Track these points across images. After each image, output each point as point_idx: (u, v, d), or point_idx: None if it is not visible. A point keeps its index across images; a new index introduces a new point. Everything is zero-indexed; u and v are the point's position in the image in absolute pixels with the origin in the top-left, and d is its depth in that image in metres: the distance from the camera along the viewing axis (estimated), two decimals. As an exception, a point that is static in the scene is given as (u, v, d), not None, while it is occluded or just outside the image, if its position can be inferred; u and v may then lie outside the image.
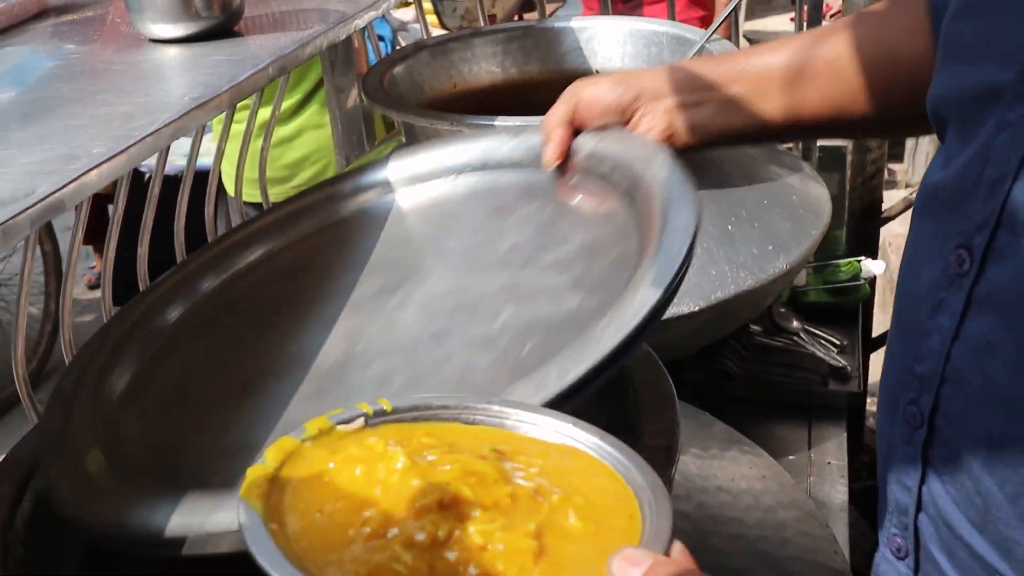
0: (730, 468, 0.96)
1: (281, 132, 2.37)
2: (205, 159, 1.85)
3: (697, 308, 1.22)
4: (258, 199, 1.81)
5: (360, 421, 0.60)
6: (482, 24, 1.90)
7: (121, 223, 1.28)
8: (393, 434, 0.58)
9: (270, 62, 0.92)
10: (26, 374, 1.19)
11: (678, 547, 0.50)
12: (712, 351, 1.52)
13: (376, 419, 0.60)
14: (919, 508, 0.75)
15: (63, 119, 0.79)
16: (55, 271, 3.58)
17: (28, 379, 1.19)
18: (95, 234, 3.45)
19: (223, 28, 1.03)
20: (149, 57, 0.96)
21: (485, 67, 1.59)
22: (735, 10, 1.87)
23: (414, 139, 1.40)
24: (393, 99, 1.34)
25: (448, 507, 0.52)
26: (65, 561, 0.81)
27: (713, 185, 1.36)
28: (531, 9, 4.24)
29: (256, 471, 0.55)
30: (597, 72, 1.55)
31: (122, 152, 0.72)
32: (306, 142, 2.42)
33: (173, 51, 0.97)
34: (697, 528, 0.86)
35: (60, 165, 0.69)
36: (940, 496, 0.72)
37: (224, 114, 1.56)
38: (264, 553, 0.49)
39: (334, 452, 0.57)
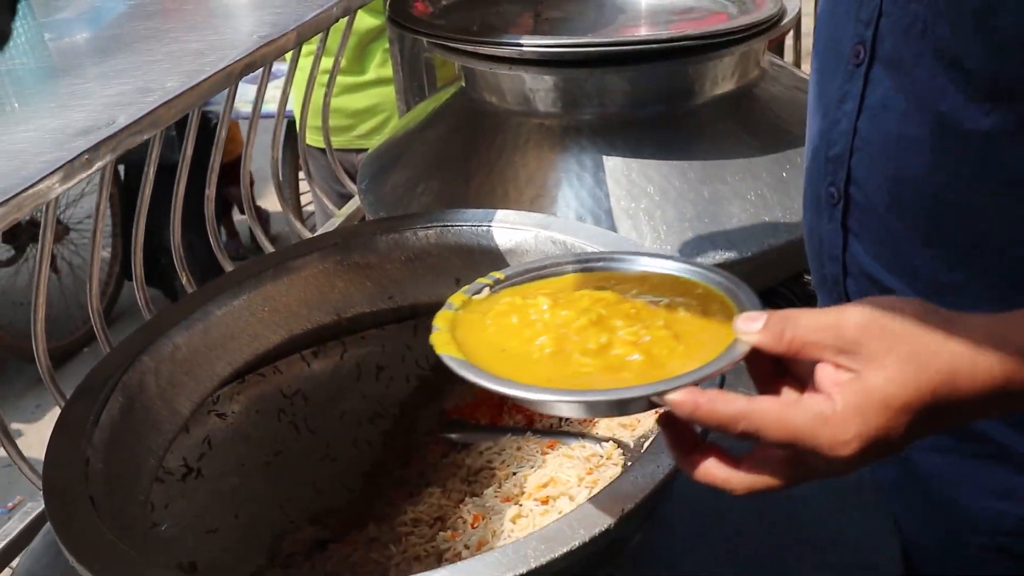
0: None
1: (347, 81, 2.39)
2: (270, 105, 1.89)
3: (749, 254, 1.24)
4: (322, 144, 1.85)
5: (486, 291, 0.73)
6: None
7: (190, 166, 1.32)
8: (517, 292, 0.73)
9: (335, 2, 0.94)
10: (100, 307, 1.24)
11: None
12: (763, 298, 1.53)
13: (496, 287, 0.74)
14: (845, 273, 0.90)
15: (138, 55, 0.83)
16: (122, 213, 3.66)
17: (102, 313, 1.23)
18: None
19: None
20: (219, -2, 0.99)
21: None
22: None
23: (473, 82, 1.42)
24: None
25: (596, 323, 0.66)
26: (139, 477, 0.86)
27: (770, 134, 1.37)
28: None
29: (438, 336, 0.68)
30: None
31: (195, 86, 0.75)
32: (372, 94, 2.43)
33: (243, -8, 1.00)
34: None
35: (136, 98, 0.73)
36: (859, 255, 0.88)
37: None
38: (484, 377, 0.63)
39: (483, 314, 0.71)
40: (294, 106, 1.81)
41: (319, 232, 1.49)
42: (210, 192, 1.43)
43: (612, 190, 1.28)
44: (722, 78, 1.36)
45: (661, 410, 0.63)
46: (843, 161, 0.87)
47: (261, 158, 2.21)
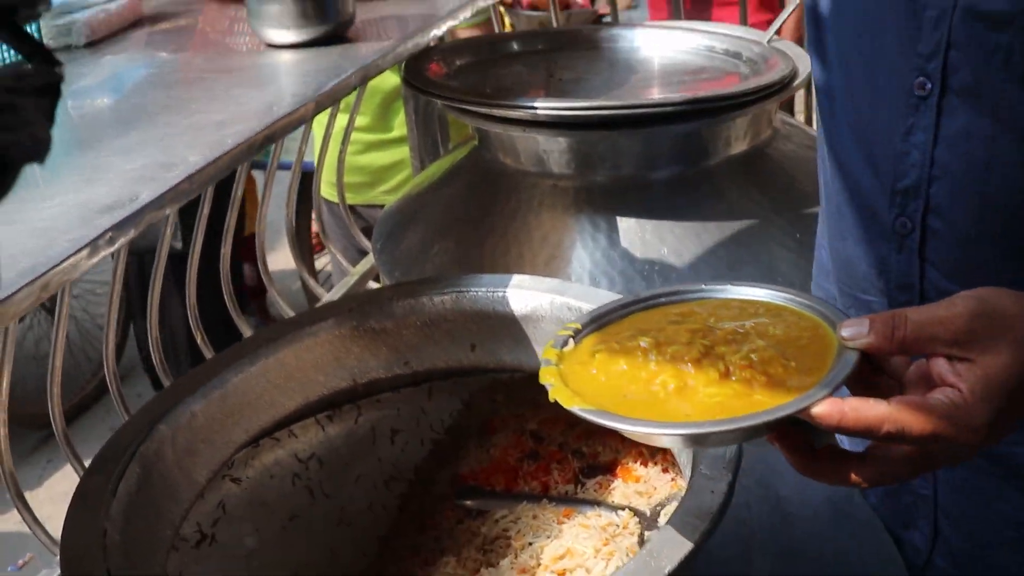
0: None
1: (371, 139, 2.39)
2: (287, 156, 1.90)
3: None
4: (335, 199, 1.85)
5: (571, 343, 0.74)
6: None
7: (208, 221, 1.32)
8: (603, 339, 0.73)
9: (353, 71, 0.95)
10: (115, 367, 1.24)
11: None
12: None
13: (578, 336, 0.75)
14: (922, 300, 0.89)
15: (159, 127, 0.84)
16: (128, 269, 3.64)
17: (117, 372, 1.24)
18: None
19: (335, 34, 1.10)
20: (238, 66, 1.00)
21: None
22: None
23: (487, 142, 1.43)
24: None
25: (706, 354, 0.67)
26: (155, 547, 0.85)
27: (784, 194, 1.37)
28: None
29: (559, 392, 0.68)
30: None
31: (215, 160, 0.76)
32: (397, 151, 2.42)
33: (261, 60, 1.01)
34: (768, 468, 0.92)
35: (159, 172, 0.73)
36: (938, 281, 0.88)
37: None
38: (630, 423, 0.64)
39: (584, 365, 0.71)
40: (314, 159, 1.82)
41: (334, 290, 1.50)
42: (225, 251, 1.43)
43: (626, 251, 1.28)
44: (735, 139, 1.37)
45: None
46: (919, 192, 0.87)
47: (276, 211, 2.22)
